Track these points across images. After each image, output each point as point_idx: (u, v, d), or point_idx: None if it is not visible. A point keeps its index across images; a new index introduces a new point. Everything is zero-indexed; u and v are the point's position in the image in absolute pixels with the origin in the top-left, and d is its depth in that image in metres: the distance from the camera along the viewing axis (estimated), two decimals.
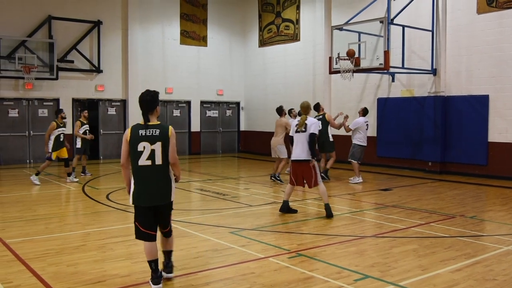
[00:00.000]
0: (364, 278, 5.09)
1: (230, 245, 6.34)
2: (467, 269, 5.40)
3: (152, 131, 4.73)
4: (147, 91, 4.90)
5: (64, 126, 12.32)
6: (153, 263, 4.78)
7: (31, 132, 16.80)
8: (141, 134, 4.72)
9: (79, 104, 17.63)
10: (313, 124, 8.16)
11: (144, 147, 4.70)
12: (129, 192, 4.88)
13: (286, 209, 8.41)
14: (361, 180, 12.32)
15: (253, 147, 21.37)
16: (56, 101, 17.23)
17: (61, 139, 12.08)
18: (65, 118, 12.46)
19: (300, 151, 8.12)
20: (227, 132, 21.93)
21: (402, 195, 10.60)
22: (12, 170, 14.86)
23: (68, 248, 6.24)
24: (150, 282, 4.76)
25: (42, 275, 5.14)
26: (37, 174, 11.99)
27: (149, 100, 4.82)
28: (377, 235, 6.98)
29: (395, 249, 6.21)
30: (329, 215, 8.02)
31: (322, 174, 11.52)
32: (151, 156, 4.71)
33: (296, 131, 8.22)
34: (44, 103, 17.09)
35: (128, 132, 4.78)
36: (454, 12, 13.94)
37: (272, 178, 12.52)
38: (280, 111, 12.70)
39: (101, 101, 18.30)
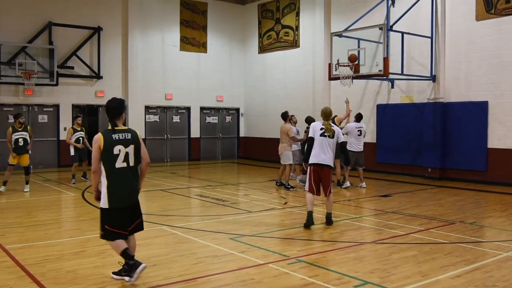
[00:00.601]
0: (364, 284, 5.09)
1: (230, 251, 6.34)
2: (467, 275, 5.40)
3: (125, 135, 5.09)
4: (114, 98, 5.28)
5: (24, 130, 11.90)
6: (128, 250, 5.04)
7: None
8: (115, 138, 5.02)
9: (79, 110, 17.64)
10: (340, 133, 8.13)
11: (119, 150, 5.02)
12: (97, 198, 5.11)
13: (312, 221, 7.75)
14: (349, 185, 12.43)
15: (252, 153, 21.36)
16: (56, 107, 17.27)
17: (20, 144, 11.73)
18: (23, 123, 12.03)
19: (326, 156, 7.85)
20: (227, 138, 21.94)
21: (402, 201, 10.60)
22: (11, 176, 14.82)
23: (68, 254, 6.24)
24: (136, 269, 4.94)
25: (42, 281, 5.14)
26: (4, 184, 11.78)
27: (115, 107, 5.17)
28: (377, 241, 6.97)
29: (395, 255, 6.21)
30: (329, 222, 7.98)
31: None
32: (126, 158, 5.06)
33: (322, 135, 7.91)
34: (44, 109, 17.12)
35: (100, 138, 5.00)
36: (453, 19, 14.01)
37: (278, 184, 12.65)
38: (284, 116, 12.59)
39: (101, 107, 18.27)
